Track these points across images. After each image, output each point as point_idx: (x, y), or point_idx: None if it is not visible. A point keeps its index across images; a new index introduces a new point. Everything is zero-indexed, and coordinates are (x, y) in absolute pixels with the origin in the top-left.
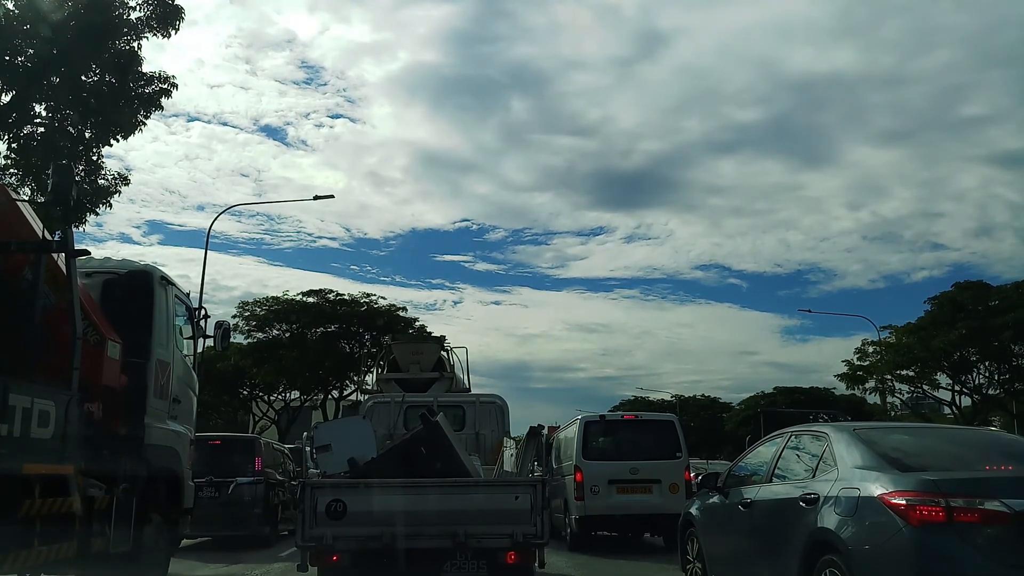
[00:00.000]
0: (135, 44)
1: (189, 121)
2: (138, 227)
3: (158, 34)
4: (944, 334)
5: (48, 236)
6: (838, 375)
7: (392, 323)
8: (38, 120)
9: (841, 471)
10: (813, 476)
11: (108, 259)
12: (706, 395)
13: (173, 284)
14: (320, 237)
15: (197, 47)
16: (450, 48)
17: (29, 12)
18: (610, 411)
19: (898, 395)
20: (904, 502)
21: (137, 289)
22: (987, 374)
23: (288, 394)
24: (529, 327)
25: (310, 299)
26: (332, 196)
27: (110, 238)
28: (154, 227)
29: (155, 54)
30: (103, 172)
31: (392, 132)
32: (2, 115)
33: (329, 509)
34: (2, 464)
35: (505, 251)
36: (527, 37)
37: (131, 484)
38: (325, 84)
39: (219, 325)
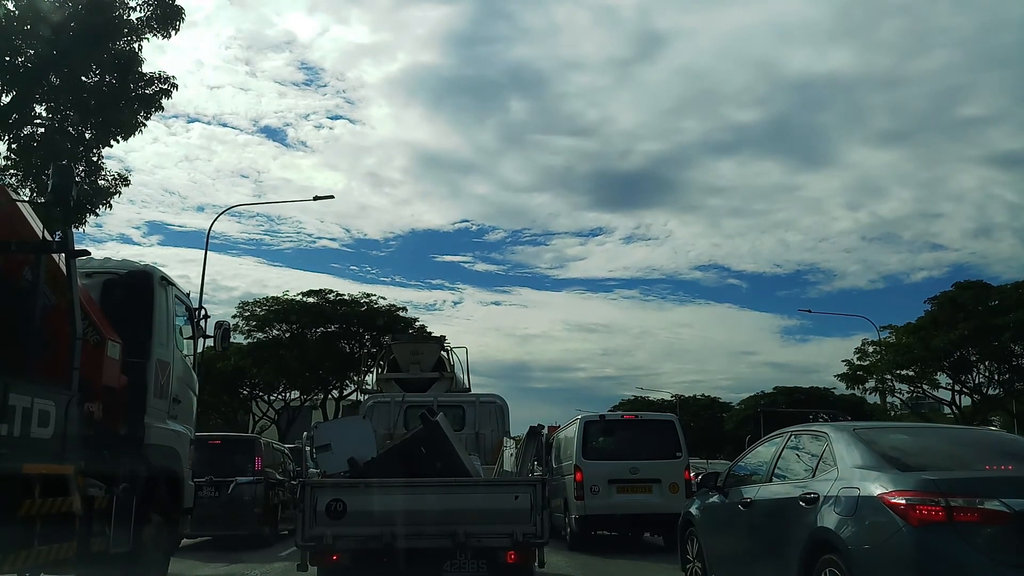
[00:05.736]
0: (135, 45)
1: (189, 122)
2: (138, 228)
3: (158, 35)
4: (944, 334)
5: (48, 236)
6: (838, 375)
7: (392, 323)
8: (38, 120)
9: (841, 471)
10: (813, 476)
11: (108, 259)
12: (706, 395)
13: (173, 284)
14: (320, 238)
15: (197, 48)
16: (449, 49)
17: (29, 12)
18: (610, 411)
19: (898, 395)
20: (904, 502)
21: (137, 289)
22: (987, 374)
23: (288, 394)
24: (529, 327)
25: (310, 299)
26: (332, 197)
27: (110, 238)
28: (154, 228)
29: (155, 55)
30: (103, 173)
31: (391, 133)
32: (2, 115)
33: (329, 509)
34: (2, 464)
35: (504, 251)
36: (526, 38)
37: (131, 484)
38: (325, 85)
39: (219, 325)
